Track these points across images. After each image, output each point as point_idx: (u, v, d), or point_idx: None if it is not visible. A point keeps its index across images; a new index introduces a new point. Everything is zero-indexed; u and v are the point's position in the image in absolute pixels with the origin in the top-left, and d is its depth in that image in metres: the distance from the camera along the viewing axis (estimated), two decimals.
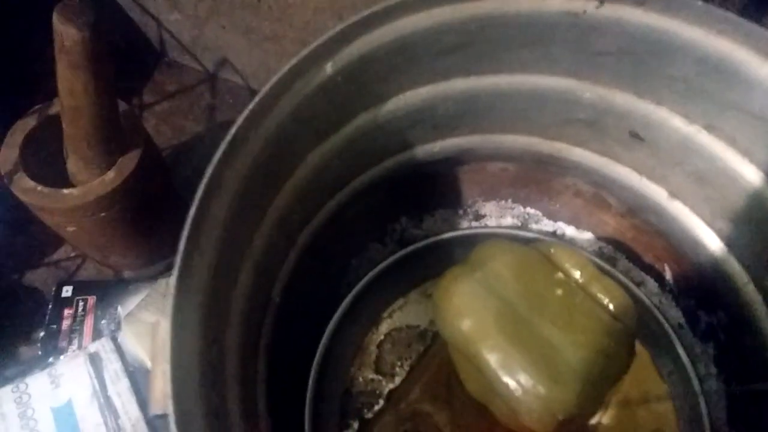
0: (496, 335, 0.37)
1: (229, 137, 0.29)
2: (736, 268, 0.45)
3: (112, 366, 0.55)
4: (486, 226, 0.53)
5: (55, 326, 0.58)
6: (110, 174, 0.51)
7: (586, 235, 0.53)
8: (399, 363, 0.47)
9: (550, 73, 0.42)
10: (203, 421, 0.25)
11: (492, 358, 0.36)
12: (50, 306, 0.59)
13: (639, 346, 0.46)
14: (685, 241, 0.47)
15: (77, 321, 0.59)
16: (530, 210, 0.54)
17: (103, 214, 0.52)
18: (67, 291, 0.61)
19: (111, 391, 0.54)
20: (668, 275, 0.50)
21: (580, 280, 0.41)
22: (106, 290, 0.61)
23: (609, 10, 0.36)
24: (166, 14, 0.71)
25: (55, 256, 0.64)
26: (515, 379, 0.36)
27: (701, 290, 0.48)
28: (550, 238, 0.52)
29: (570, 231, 0.53)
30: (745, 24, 0.34)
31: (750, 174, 0.40)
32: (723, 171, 0.41)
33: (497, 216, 0.53)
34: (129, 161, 0.52)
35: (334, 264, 0.48)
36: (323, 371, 0.44)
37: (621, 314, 0.40)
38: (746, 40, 0.35)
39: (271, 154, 0.33)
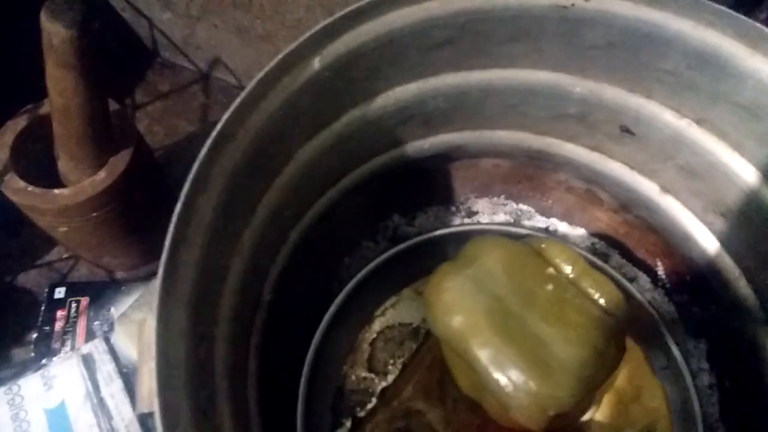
0: (487, 331, 0.37)
1: (215, 134, 0.29)
2: (728, 263, 0.44)
3: (106, 367, 0.55)
4: (479, 223, 0.53)
5: (47, 328, 0.58)
6: (101, 174, 0.51)
7: (579, 231, 0.53)
8: (392, 361, 0.47)
9: (540, 67, 0.42)
10: (191, 419, 0.25)
11: (483, 355, 0.36)
12: (43, 307, 0.59)
13: (632, 342, 0.46)
14: (678, 236, 0.47)
15: (70, 322, 0.59)
16: (523, 206, 0.54)
17: (94, 214, 0.52)
18: (59, 292, 0.60)
19: (104, 392, 0.54)
20: (661, 270, 0.50)
21: (571, 276, 0.41)
22: (99, 291, 0.60)
23: (598, 3, 0.36)
24: (158, 14, 0.71)
25: (48, 258, 0.64)
26: (506, 376, 0.36)
27: (694, 285, 0.48)
28: (543, 234, 0.52)
29: (563, 227, 0.53)
30: (733, 16, 0.34)
31: (741, 168, 0.40)
32: (714, 165, 0.41)
33: (490, 213, 0.53)
34: (120, 161, 0.52)
35: (327, 261, 0.48)
36: (315, 369, 0.44)
37: (612, 309, 0.39)
38: (735, 32, 0.34)
39: (259, 151, 0.33)
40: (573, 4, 0.36)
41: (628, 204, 0.50)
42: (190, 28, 0.70)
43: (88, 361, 0.55)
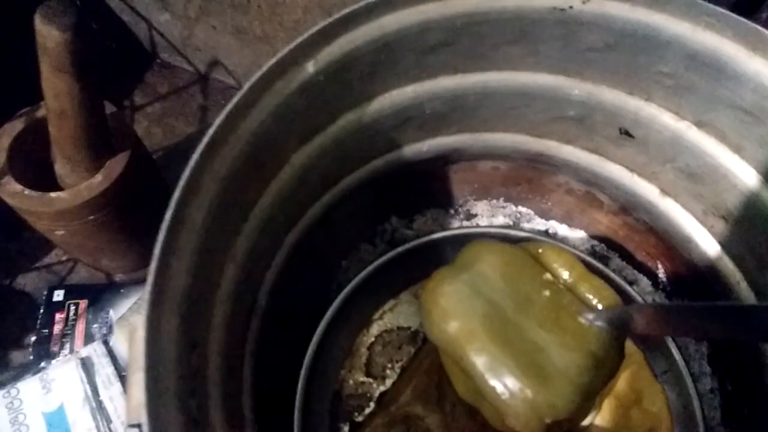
0: (483, 338, 0.36)
1: (206, 139, 0.29)
2: (729, 266, 0.44)
3: (104, 370, 0.55)
4: (477, 226, 0.53)
5: (46, 331, 0.58)
6: (98, 177, 0.51)
7: (579, 234, 0.53)
8: (390, 365, 0.46)
9: (538, 70, 0.42)
10: (180, 430, 0.25)
11: (479, 361, 0.36)
12: (41, 310, 0.59)
13: (632, 346, 0.46)
14: (678, 239, 0.47)
15: (69, 325, 0.59)
16: (522, 209, 0.53)
17: (91, 217, 0.52)
18: (58, 295, 0.60)
19: (103, 395, 0.54)
20: (661, 273, 0.50)
21: (569, 281, 0.40)
22: (98, 294, 0.60)
23: (595, 5, 0.36)
24: (157, 15, 0.71)
25: (47, 260, 0.64)
26: (502, 383, 0.35)
27: (694, 288, 0.48)
28: (543, 237, 0.51)
29: (562, 230, 0.53)
30: (732, 17, 0.33)
31: (741, 170, 0.40)
32: (714, 168, 0.41)
33: (489, 215, 0.53)
34: (117, 164, 0.52)
35: (324, 266, 0.48)
36: (313, 374, 0.44)
37: None
38: (734, 33, 0.34)
39: (252, 156, 0.33)
40: (571, 7, 0.36)
41: (628, 206, 0.49)
42: (188, 29, 0.70)
43: (86, 364, 0.55)
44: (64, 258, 0.64)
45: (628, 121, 0.43)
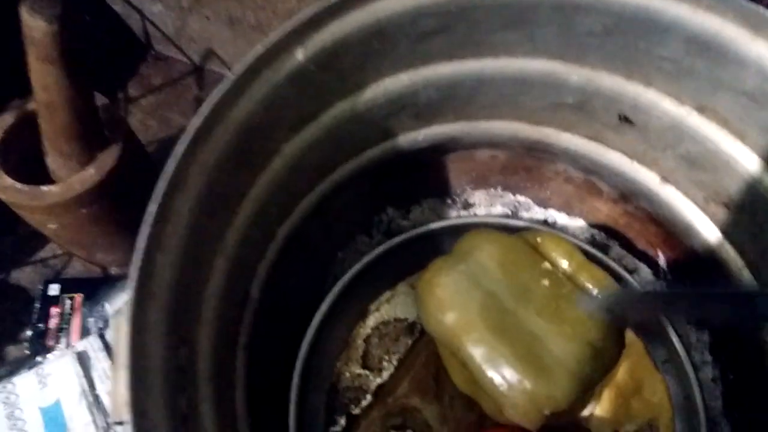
0: (481, 328, 0.36)
1: (192, 129, 0.28)
2: (730, 254, 0.43)
3: (101, 365, 0.55)
4: (475, 216, 0.52)
5: (42, 325, 0.58)
6: (90, 170, 0.50)
7: (578, 223, 0.52)
8: (387, 357, 0.46)
9: (535, 55, 0.41)
10: (168, 427, 0.24)
11: (476, 352, 0.35)
12: (37, 305, 0.59)
13: (632, 336, 0.45)
14: (679, 227, 0.46)
15: (64, 319, 0.58)
16: (520, 198, 0.52)
17: (84, 210, 0.51)
18: (54, 289, 0.60)
19: (100, 389, 0.54)
20: (662, 261, 0.49)
21: (568, 270, 0.40)
22: (94, 288, 0.60)
23: None
24: (149, 6, 0.70)
25: (42, 254, 0.63)
26: (500, 374, 0.35)
27: (695, 276, 0.47)
28: (541, 226, 0.51)
29: (562, 218, 0.52)
30: None
31: (743, 156, 0.39)
32: (715, 154, 0.40)
33: (487, 204, 0.52)
34: (109, 156, 0.51)
35: (319, 258, 0.47)
36: (308, 367, 0.43)
37: None
38: (736, 15, 0.33)
39: (241, 147, 0.32)
40: None
41: (628, 194, 0.48)
42: (181, 19, 0.69)
43: (83, 359, 0.55)
44: (59, 252, 0.63)
45: (628, 107, 0.42)
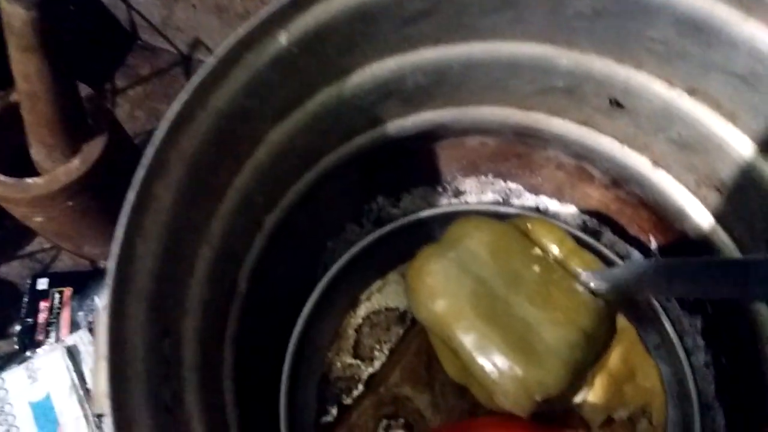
0: (471, 316, 0.35)
1: (171, 116, 0.27)
2: (723, 238, 0.43)
3: (91, 358, 0.54)
4: (466, 203, 0.51)
5: (31, 320, 0.57)
6: (75, 161, 0.49)
7: (570, 209, 0.51)
8: (378, 347, 0.46)
9: (524, 39, 0.40)
10: (151, 418, 0.24)
11: (467, 340, 0.35)
12: (26, 299, 0.58)
13: (625, 321, 0.45)
14: (671, 212, 0.46)
15: (54, 314, 0.58)
16: (511, 184, 0.52)
17: (70, 202, 0.50)
18: (42, 283, 0.59)
19: (90, 383, 0.53)
20: (654, 247, 0.49)
21: (559, 255, 0.39)
22: (83, 281, 0.59)
23: None
24: None
25: (30, 248, 0.63)
26: (491, 361, 0.34)
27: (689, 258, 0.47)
28: (533, 213, 0.50)
29: (553, 205, 0.52)
30: None
31: (735, 139, 0.39)
32: (707, 137, 0.40)
33: (478, 192, 0.52)
34: (94, 147, 0.50)
35: (308, 247, 0.47)
36: (299, 358, 0.43)
37: None
38: None
39: (223, 133, 0.31)
40: None
41: (620, 179, 0.48)
42: (168, 9, 0.68)
43: (72, 353, 0.55)
44: (47, 246, 0.63)
45: (619, 91, 0.41)
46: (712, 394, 0.45)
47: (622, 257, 0.48)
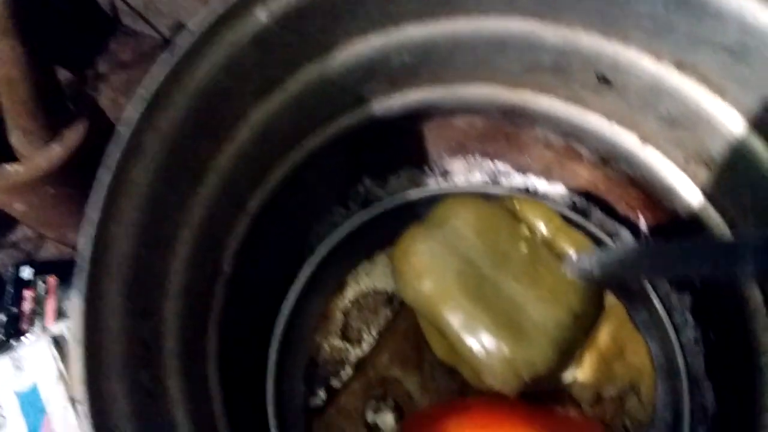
0: (458, 296, 0.35)
1: (147, 95, 0.26)
2: (712, 215, 0.43)
3: None
4: (454, 185, 0.51)
5: (16, 309, 0.57)
6: (55, 147, 0.48)
7: (559, 188, 0.51)
8: (366, 329, 0.45)
9: (510, 14, 0.39)
10: (129, 404, 0.23)
11: (454, 320, 0.35)
12: (10, 289, 0.57)
13: (614, 299, 0.44)
14: (660, 189, 0.45)
15: (39, 303, 0.57)
16: (500, 165, 0.51)
17: (52, 189, 0.50)
18: (26, 272, 0.59)
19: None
20: (643, 225, 0.48)
21: (547, 234, 0.39)
22: (68, 269, 0.58)
23: None
24: None
25: (13, 237, 0.62)
26: (478, 341, 0.34)
27: (677, 239, 0.46)
28: (521, 194, 0.50)
29: (542, 185, 0.51)
30: None
31: (724, 113, 0.38)
32: (696, 112, 0.39)
33: (465, 172, 0.51)
34: (75, 132, 0.49)
35: (294, 230, 0.46)
36: (286, 341, 0.42)
37: None
38: None
39: (201, 113, 0.30)
40: None
41: (609, 157, 0.47)
42: None
43: (59, 342, 0.54)
44: (31, 234, 0.62)
45: (606, 67, 0.41)
46: (702, 370, 0.45)
47: (611, 236, 0.47)
